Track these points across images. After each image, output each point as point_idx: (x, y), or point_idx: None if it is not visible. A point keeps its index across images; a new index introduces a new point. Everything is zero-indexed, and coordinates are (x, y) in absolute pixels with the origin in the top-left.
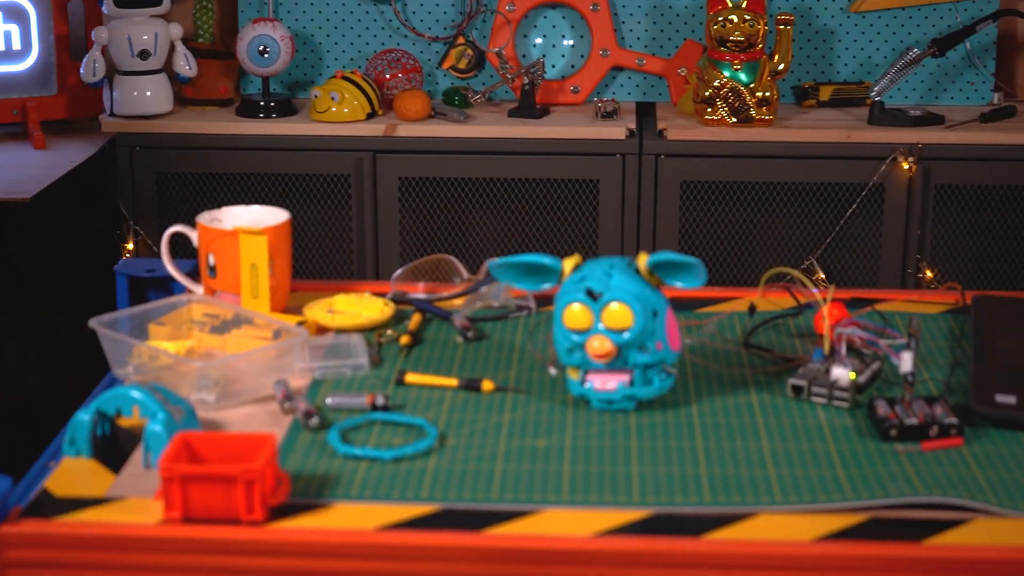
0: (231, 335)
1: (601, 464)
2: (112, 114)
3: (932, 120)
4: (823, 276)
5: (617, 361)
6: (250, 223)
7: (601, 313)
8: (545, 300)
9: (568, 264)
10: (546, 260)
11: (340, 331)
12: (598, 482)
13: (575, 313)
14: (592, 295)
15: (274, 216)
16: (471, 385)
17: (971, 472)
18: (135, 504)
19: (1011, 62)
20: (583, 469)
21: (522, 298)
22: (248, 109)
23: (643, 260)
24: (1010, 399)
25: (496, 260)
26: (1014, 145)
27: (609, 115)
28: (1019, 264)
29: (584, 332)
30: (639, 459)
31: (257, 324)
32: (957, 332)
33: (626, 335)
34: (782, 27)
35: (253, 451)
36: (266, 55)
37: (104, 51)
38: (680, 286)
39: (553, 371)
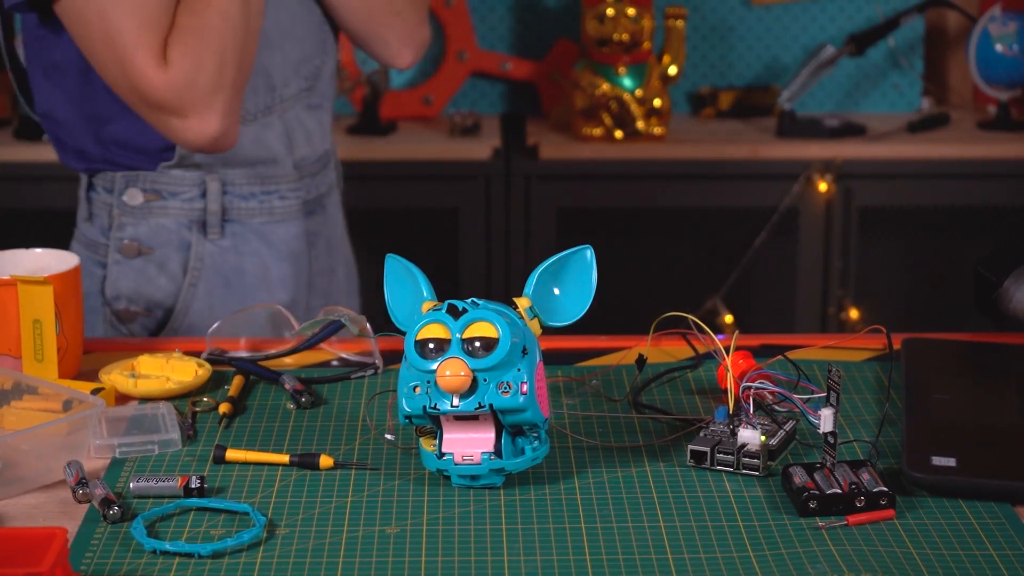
0: (10, 408)
1: (465, 553)
2: None
3: (852, 131)
4: (729, 318)
5: (470, 400)
6: (32, 270)
7: (461, 333)
8: (394, 356)
9: (427, 305)
10: (422, 281)
11: (145, 400)
12: (462, 575)
13: (431, 332)
14: (453, 311)
15: (62, 261)
16: (305, 462)
17: (905, 549)
18: None
19: (942, 61)
20: (443, 560)
21: (366, 353)
22: (28, 131)
23: (523, 303)
24: (949, 461)
25: (394, 255)
26: (947, 159)
27: (469, 131)
28: (956, 299)
29: (436, 359)
30: (510, 546)
31: (42, 393)
32: (885, 382)
33: (487, 359)
34: (672, 23)
35: (38, 550)
36: None
37: None
38: (586, 303)
39: (390, 437)
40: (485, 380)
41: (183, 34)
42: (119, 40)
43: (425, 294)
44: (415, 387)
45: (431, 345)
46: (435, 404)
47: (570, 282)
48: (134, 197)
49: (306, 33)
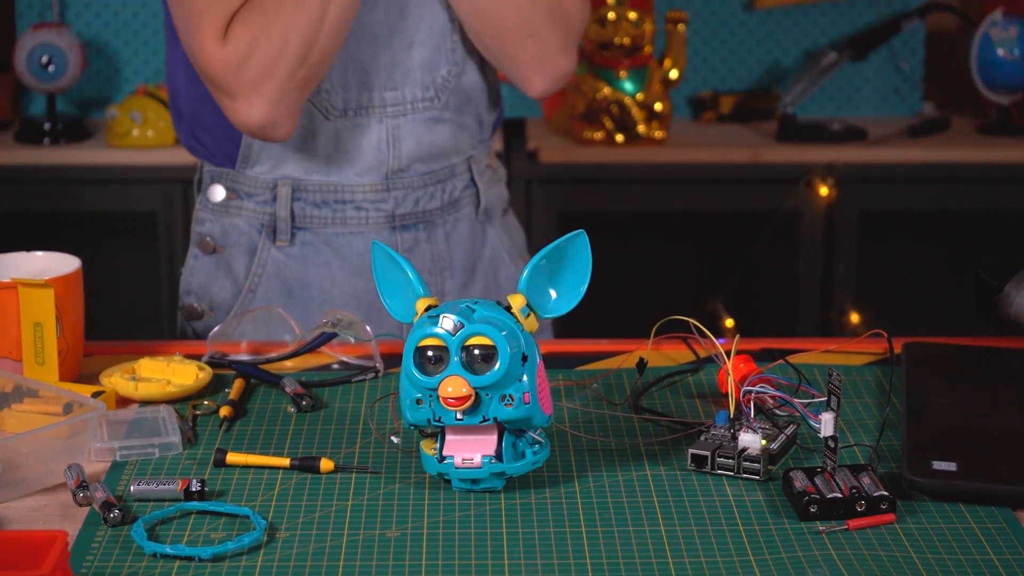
0: (11, 410)
1: (465, 557)
2: None
3: (852, 135)
4: (730, 322)
5: (474, 413)
6: (33, 273)
7: (460, 347)
8: (395, 360)
9: (421, 305)
10: (411, 274)
11: (145, 403)
12: None
13: (427, 342)
14: (451, 321)
15: (63, 264)
16: (306, 465)
17: (906, 553)
18: None
19: (942, 65)
20: (443, 564)
21: (367, 357)
22: (29, 133)
23: (516, 302)
24: (949, 466)
25: (380, 243)
26: (948, 163)
27: None
28: (957, 303)
29: (436, 375)
30: (510, 550)
31: (43, 397)
32: (886, 387)
33: (488, 376)
34: (673, 26)
35: (39, 553)
36: (51, 68)
37: None
38: (583, 287)
39: (396, 440)
40: (487, 395)
41: (249, 14)
42: (191, 5)
43: (419, 291)
44: (418, 399)
45: (430, 353)
46: (439, 417)
47: (566, 270)
48: (216, 194)
49: (426, 38)
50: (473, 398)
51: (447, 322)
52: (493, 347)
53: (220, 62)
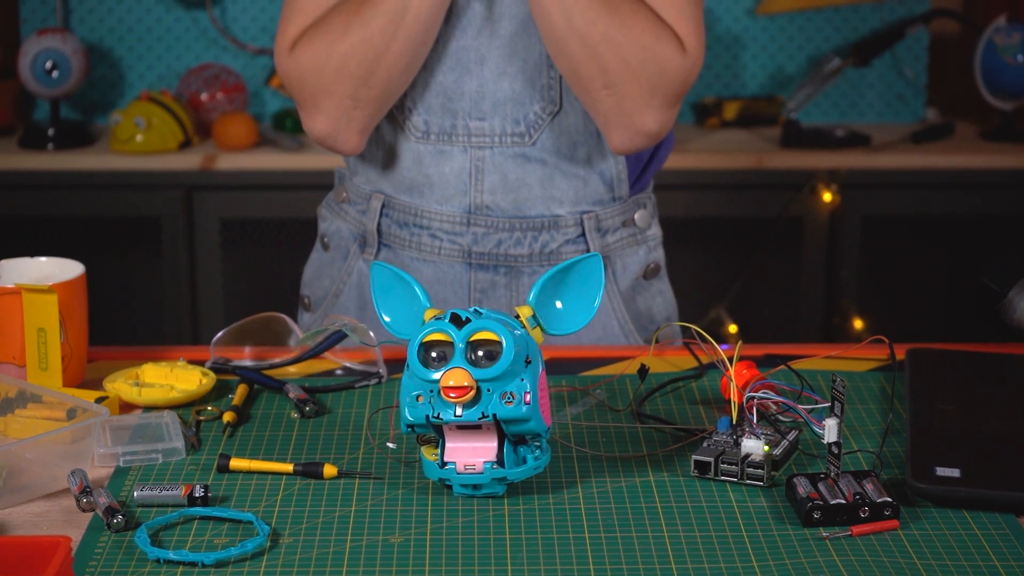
0: (14, 416)
1: (468, 563)
2: None
3: (856, 141)
4: (733, 328)
5: (473, 410)
6: (37, 279)
7: (465, 341)
8: (398, 365)
9: (429, 315)
10: (418, 288)
11: (149, 408)
12: None
13: (433, 337)
14: (457, 320)
15: (66, 269)
16: (309, 471)
17: (909, 560)
18: None
19: (946, 71)
20: (446, 569)
21: (371, 362)
22: (33, 139)
23: (524, 312)
24: (953, 472)
25: (379, 261)
26: (952, 169)
27: None
28: (960, 309)
29: (439, 368)
30: (513, 556)
31: (47, 402)
32: (889, 392)
33: (491, 369)
34: None
35: (42, 559)
36: (54, 73)
37: None
38: (596, 304)
39: (391, 445)
40: (488, 390)
41: (317, 31)
42: (284, 7)
43: (425, 302)
44: (418, 396)
45: (434, 353)
46: (438, 413)
47: (575, 290)
48: (339, 194)
49: (519, 71)
50: (474, 391)
51: (454, 319)
52: (498, 343)
53: (285, 72)
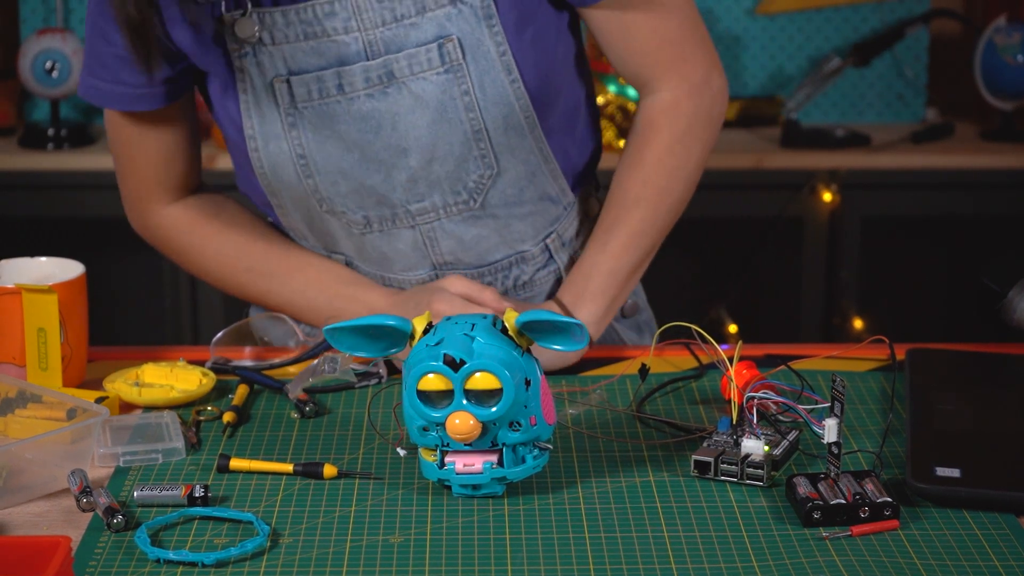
0: (14, 416)
1: (468, 563)
2: None
3: (856, 141)
4: (733, 328)
5: (482, 441)
6: (37, 279)
7: (463, 385)
8: (398, 366)
9: (419, 324)
10: (390, 321)
11: (149, 408)
12: None
13: (431, 384)
14: (452, 363)
15: (66, 269)
16: (309, 471)
17: (909, 560)
18: None
19: (946, 71)
20: (446, 569)
21: (366, 364)
22: (33, 139)
23: (511, 319)
24: (953, 472)
25: (330, 325)
26: (952, 170)
27: None
28: (960, 309)
29: (442, 408)
30: (513, 556)
31: (47, 402)
32: (889, 393)
33: (494, 409)
34: None
35: (42, 559)
36: (54, 73)
37: None
38: (559, 349)
39: (403, 452)
40: (495, 423)
41: (177, 234)
42: (114, 162)
43: (400, 324)
44: (424, 427)
45: (433, 397)
46: (447, 444)
47: (554, 341)
48: None
49: (446, 154)
50: (480, 429)
51: (448, 361)
52: (498, 389)
53: (141, 234)
